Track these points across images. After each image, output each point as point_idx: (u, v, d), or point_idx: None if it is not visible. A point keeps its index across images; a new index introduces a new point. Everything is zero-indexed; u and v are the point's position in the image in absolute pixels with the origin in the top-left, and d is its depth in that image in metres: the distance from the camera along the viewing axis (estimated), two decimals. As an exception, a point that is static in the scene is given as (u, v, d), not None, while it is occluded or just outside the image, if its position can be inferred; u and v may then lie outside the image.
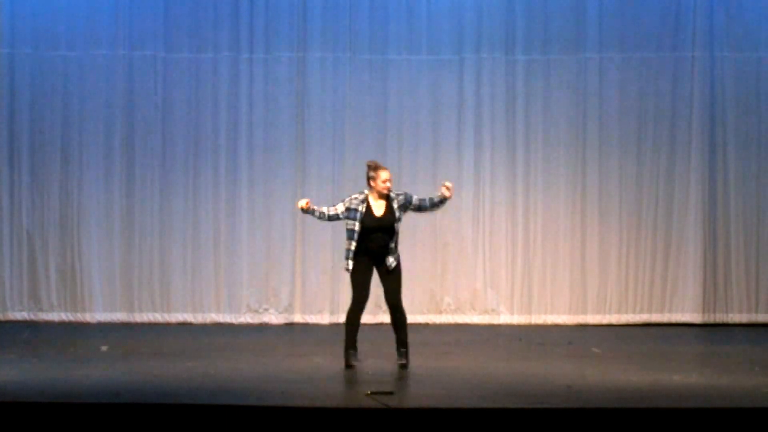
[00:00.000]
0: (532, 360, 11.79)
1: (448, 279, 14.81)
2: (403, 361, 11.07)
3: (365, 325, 14.57)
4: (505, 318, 14.82)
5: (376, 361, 11.63)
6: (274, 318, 14.74)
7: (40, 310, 14.61)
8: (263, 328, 14.48)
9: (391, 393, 9.40)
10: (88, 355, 11.91)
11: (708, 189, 14.82)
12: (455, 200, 14.73)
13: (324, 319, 14.72)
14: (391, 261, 11.05)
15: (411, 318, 14.68)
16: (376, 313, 14.78)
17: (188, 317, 14.68)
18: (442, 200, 11.15)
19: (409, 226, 14.79)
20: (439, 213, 14.76)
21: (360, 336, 13.76)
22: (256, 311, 14.73)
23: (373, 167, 11.03)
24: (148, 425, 8.59)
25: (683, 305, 14.82)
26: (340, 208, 10.97)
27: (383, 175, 10.95)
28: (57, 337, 13.35)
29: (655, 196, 14.85)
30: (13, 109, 14.65)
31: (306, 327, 14.56)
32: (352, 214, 10.92)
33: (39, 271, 14.62)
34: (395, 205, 10.98)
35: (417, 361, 11.66)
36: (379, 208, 10.97)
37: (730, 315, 14.84)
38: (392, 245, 11.02)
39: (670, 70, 14.84)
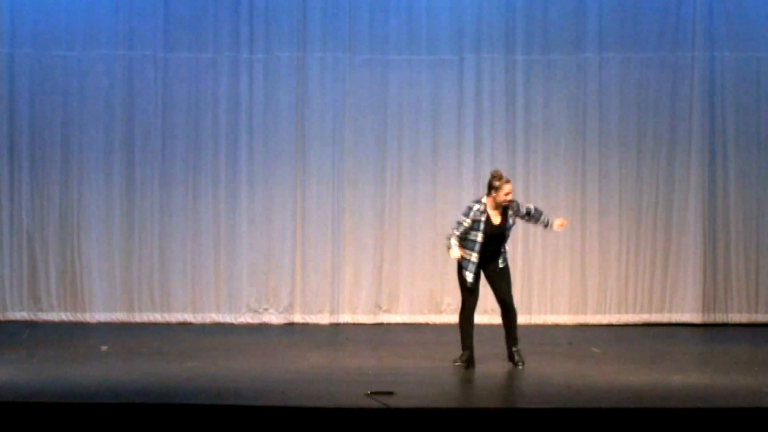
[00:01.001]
0: (531, 360, 11.77)
1: (448, 279, 14.74)
2: (520, 363, 11.15)
3: (364, 325, 14.65)
4: (505, 318, 14.79)
5: (377, 361, 11.63)
6: (273, 318, 14.73)
7: (40, 310, 14.61)
8: (263, 328, 14.47)
9: (390, 393, 9.40)
10: (87, 355, 11.90)
11: (708, 189, 14.82)
12: (455, 200, 14.78)
13: (324, 319, 14.72)
14: (500, 262, 11.12)
15: (410, 318, 14.78)
16: (377, 313, 14.80)
17: (188, 317, 14.68)
18: (548, 226, 11.41)
19: (408, 226, 14.82)
20: (438, 212, 14.81)
21: (359, 336, 13.82)
22: (256, 311, 14.73)
23: (498, 178, 11.08)
24: (148, 425, 8.59)
25: (683, 305, 14.82)
26: (466, 224, 11.01)
27: (506, 188, 11.03)
28: (57, 337, 13.35)
29: (655, 195, 14.85)
30: (13, 109, 14.64)
31: (306, 327, 14.55)
32: (476, 226, 11.00)
33: (39, 271, 14.62)
34: (510, 212, 11.11)
35: (417, 361, 11.67)
36: (496, 217, 11.09)
37: (730, 315, 14.84)
38: (503, 249, 11.13)
39: (670, 70, 14.83)
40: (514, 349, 11.26)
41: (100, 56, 14.68)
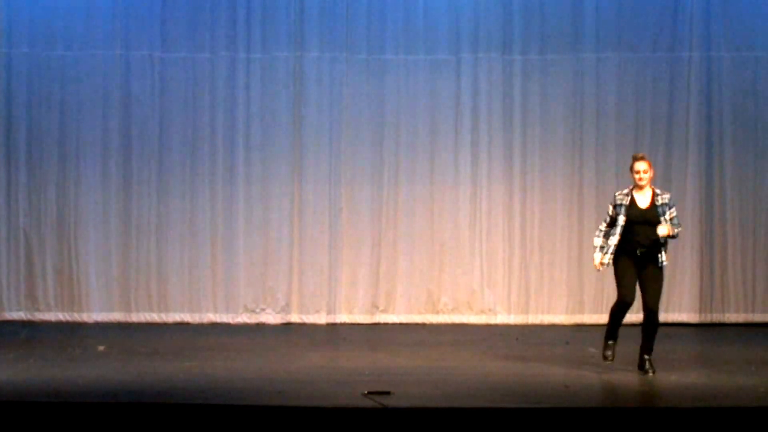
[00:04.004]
0: (529, 360, 11.78)
1: (446, 279, 14.80)
2: (650, 371, 10.75)
3: (361, 325, 14.65)
4: (502, 318, 14.82)
5: (374, 361, 11.63)
6: (271, 318, 14.73)
7: (37, 310, 14.60)
8: (260, 328, 14.47)
9: (387, 393, 9.40)
10: (85, 355, 11.90)
11: (704, 189, 14.83)
12: (452, 200, 14.79)
13: (321, 319, 14.71)
14: (660, 261, 10.66)
15: (407, 318, 14.78)
16: (374, 313, 14.80)
17: (185, 317, 14.67)
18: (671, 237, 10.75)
19: (405, 225, 14.81)
20: (436, 212, 14.82)
21: (356, 336, 13.81)
22: (253, 311, 14.73)
23: (633, 158, 10.84)
24: (145, 425, 8.59)
25: (680, 305, 14.83)
26: (610, 212, 10.74)
27: (636, 165, 10.74)
28: (54, 336, 13.34)
29: (651, 195, 14.85)
30: (10, 109, 14.64)
31: (303, 327, 14.55)
32: (618, 209, 10.71)
33: (36, 271, 14.61)
34: (659, 201, 10.71)
35: (414, 361, 11.67)
36: (643, 201, 10.74)
37: (727, 315, 14.85)
38: (662, 242, 10.66)
39: (666, 70, 14.84)
40: (646, 357, 10.85)
41: (97, 56, 14.67)
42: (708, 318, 14.82)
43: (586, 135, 14.84)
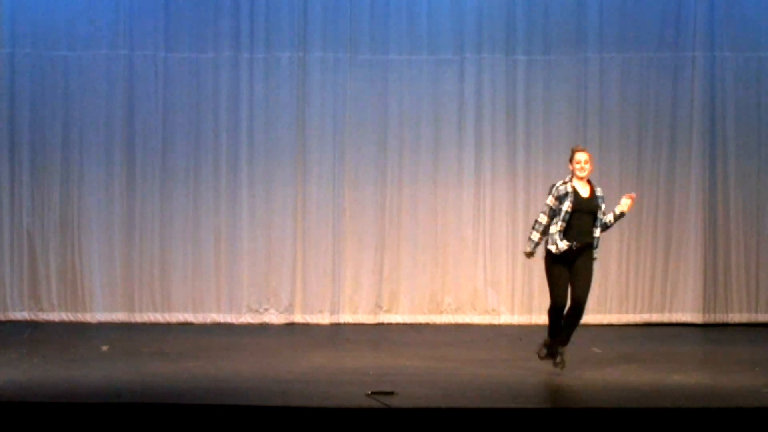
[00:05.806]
0: (532, 360, 11.78)
1: (449, 279, 14.80)
2: (560, 366, 10.72)
3: (365, 325, 14.65)
4: (505, 318, 14.81)
5: (377, 361, 11.63)
6: (274, 318, 14.73)
7: (41, 310, 14.61)
8: (264, 328, 14.47)
9: (391, 393, 9.40)
10: (88, 355, 11.91)
11: (708, 189, 14.82)
12: (455, 200, 14.79)
13: (324, 319, 14.71)
14: (594, 253, 10.61)
15: (411, 318, 14.78)
16: (377, 313, 14.80)
17: (189, 317, 14.67)
18: (617, 218, 10.77)
19: (409, 226, 14.81)
20: (439, 212, 14.82)
21: (360, 336, 13.81)
22: (257, 311, 14.73)
23: (573, 150, 10.87)
24: (149, 425, 8.60)
25: (683, 305, 14.82)
26: (551, 203, 10.67)
27: (577, 156, 10.76)
28: (57, 337, 13.35)
29: (655, 195, 14.85)
30: (14, 109, 14.64)
31: (306, 327, 14.55)
32: (563, 199, 10.65)
33: (39, 270, 14.62)
34: (598, 193, 10.79)
35: (417, 361, 11.67)
36: (584, 191, 10.77)
37: (731, 315, 14.84)
38: (597, 233, 10.65)
39: (670, 70, 14.83)
40: (560, 350, 10.80)
41: (100, 56, 14.67)
42: (711, 318, 14.81)
43: (590, 135, 14.82)
